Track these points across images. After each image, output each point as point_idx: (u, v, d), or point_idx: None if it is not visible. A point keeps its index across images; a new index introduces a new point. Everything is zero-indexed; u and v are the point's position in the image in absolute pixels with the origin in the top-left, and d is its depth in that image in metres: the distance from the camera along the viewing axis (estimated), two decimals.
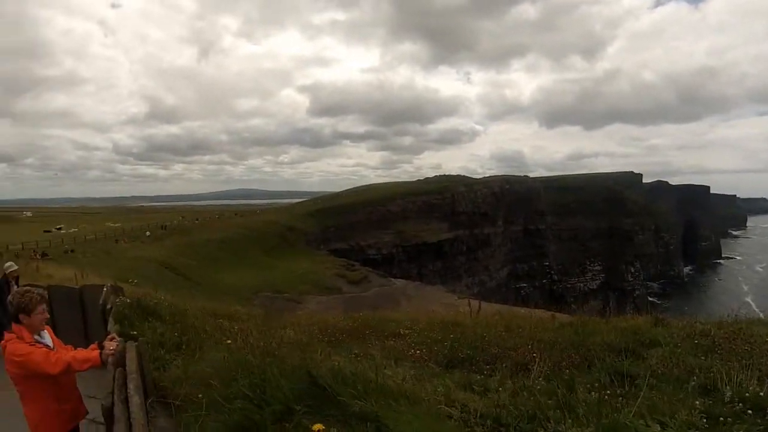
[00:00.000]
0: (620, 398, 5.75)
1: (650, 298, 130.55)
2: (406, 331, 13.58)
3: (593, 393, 6.18)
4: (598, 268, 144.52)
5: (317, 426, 4.03)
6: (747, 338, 9.99)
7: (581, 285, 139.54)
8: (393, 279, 74.82)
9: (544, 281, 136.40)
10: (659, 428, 4.49)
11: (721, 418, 4.80)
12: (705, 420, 4.82)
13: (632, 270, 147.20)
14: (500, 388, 6.71)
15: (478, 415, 4.97)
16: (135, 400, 4.39)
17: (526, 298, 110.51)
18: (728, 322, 12.40)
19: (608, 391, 6.30)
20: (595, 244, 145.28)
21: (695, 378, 6.86)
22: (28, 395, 4.80)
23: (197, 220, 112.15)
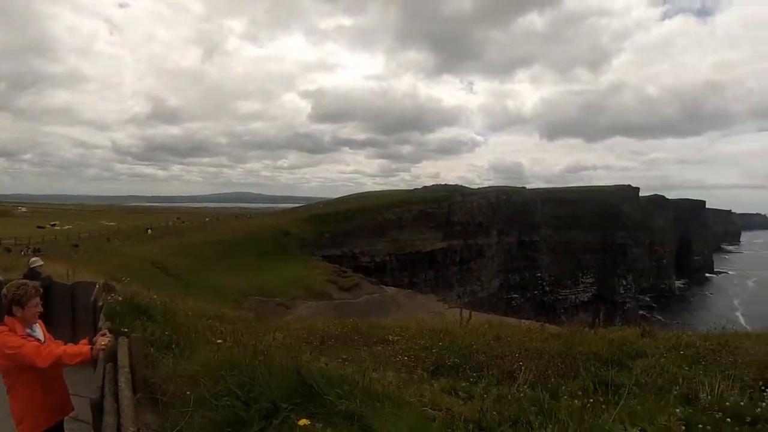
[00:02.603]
0: (603, 405, 5.82)
1: (641, 311, 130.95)
2: (395, 338, 13.63)
3: (577, 400, 6.25)
4: (590, 280, 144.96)
5: (303, 421, 4.13)
6: (732, 350, 10.12)
7: (572, 297, 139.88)
8: (384, 287, 74.58)
9: (536, 292, 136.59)
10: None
11: (700, 426, 4.88)
12: (684, 427, 4.89)
13: (624, 283, 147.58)
14: (485, 395, 6.79)
15: (462, 419, 5.02)
16: (125, 393, 4.42)
17: (517, 308, 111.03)
18: (714, 334, 12.61)
19: (591, 399, 6.38)
20: (589, 257, 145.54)
21: (678, 387, 6.95)
22: (15, 387, 4.80)
23: (183, 222, 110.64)
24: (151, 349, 7.45)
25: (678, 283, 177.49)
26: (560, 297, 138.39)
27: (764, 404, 5.47)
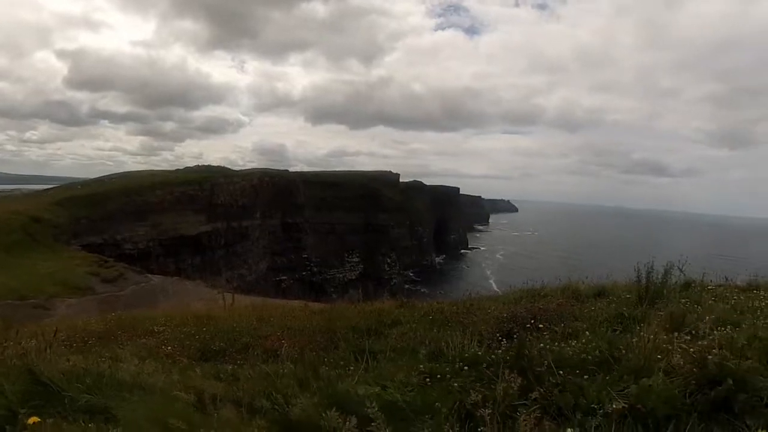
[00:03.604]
0: (364, 371, 6.15)
1: (407, 285, 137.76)
2: (160, 329, 13.37)
3: (338, 370, 6.54)
4: (356, 259, 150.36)
5: (33, 419, 3.92)
6: (475, 311, 11.12)
7: (341, 276, 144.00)
8: (150, 275, 69.98)
9: (304, 273, 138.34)
10: (379, 389, 4.88)
11: (439, 375, 5.33)
12: (428, 379, 5.32)
13: (389, 261, 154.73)
14: (249, 375, 6.87)
15: (218, 399, 5.04)
16: None
17: (287, 290, 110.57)
18: (462, 300, 13.77)
19: (352, 367, 6.71)
20: (353, 237, 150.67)
21: (425, 347, 7.50)
22: None
23: None
24: None
25: (438, 259, 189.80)
26: (329, 276, 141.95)
27: (499, 351, 6.12)
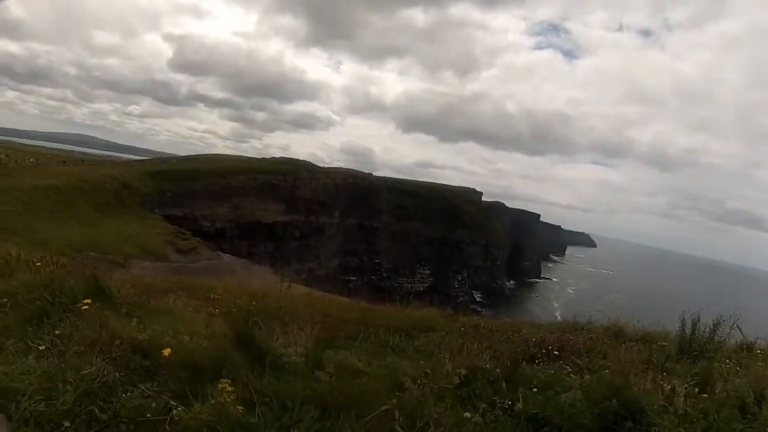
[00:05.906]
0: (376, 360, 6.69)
1: (473, 306, 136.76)
2: (216, 296, 14.08)
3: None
4: (427, 272, 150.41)
5: (86, 301, 5.37)
6: (507, 332, 11.46)
7: (409, 285, 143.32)
8: (222, 254, 72.20)
9: (373, 277, 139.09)
10: (363, 364, 5.49)
11: (429, 371, 5.80)
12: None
13: (459, 278, 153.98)
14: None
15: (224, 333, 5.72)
16: None
17: (354, 291, 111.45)
18: (501, 322, 14.15)
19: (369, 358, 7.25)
20: (427, 249, 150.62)
21: (438, 350, 8.00)
22: None
23: (16, 161, 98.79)
24: None
25: (508, 284, 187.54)
26: (397, 284, 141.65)
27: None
